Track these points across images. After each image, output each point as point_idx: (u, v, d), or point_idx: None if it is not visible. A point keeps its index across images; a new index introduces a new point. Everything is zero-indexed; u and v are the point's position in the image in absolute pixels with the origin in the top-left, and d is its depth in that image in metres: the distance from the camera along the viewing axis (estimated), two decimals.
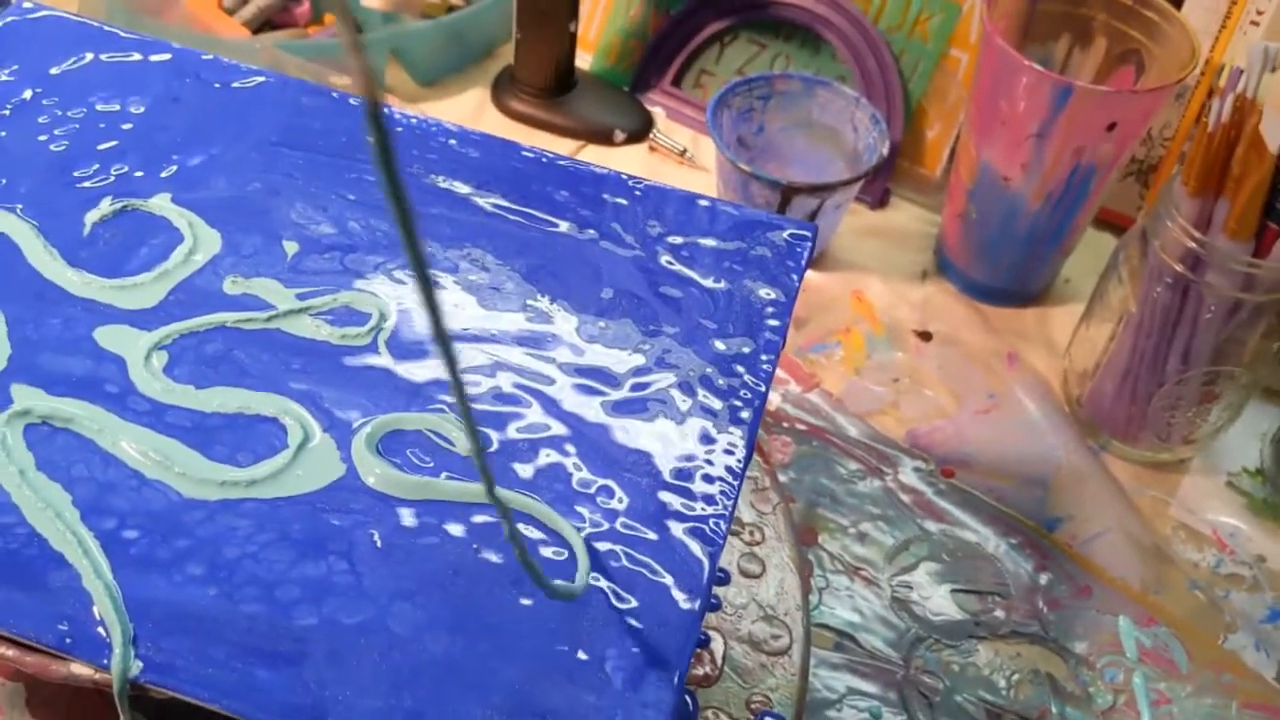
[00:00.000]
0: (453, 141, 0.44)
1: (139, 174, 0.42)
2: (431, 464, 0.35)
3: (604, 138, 0.74)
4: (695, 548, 0.34)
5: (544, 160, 0.44)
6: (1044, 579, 0.55)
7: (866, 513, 0.57)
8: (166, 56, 0.46)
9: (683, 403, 0.37)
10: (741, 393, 0.38)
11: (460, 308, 0.39)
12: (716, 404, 0.37)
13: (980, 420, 0.62)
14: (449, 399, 0.37)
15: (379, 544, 0.33)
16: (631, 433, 0.36)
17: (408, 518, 0.34)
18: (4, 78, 0.44)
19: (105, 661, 0.30)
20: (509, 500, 0.34)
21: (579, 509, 0.34)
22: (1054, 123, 0.58)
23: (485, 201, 0.43)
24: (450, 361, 0.22)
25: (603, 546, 0.34)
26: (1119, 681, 0.52)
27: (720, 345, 0.39)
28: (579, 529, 0.34)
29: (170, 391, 0.36)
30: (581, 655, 0.31)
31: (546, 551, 0.33)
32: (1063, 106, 0.57)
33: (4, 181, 0.41)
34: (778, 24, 0.74)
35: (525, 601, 0.32)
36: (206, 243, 0.40)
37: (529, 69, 0.74)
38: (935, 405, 0.62)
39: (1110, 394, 0.59)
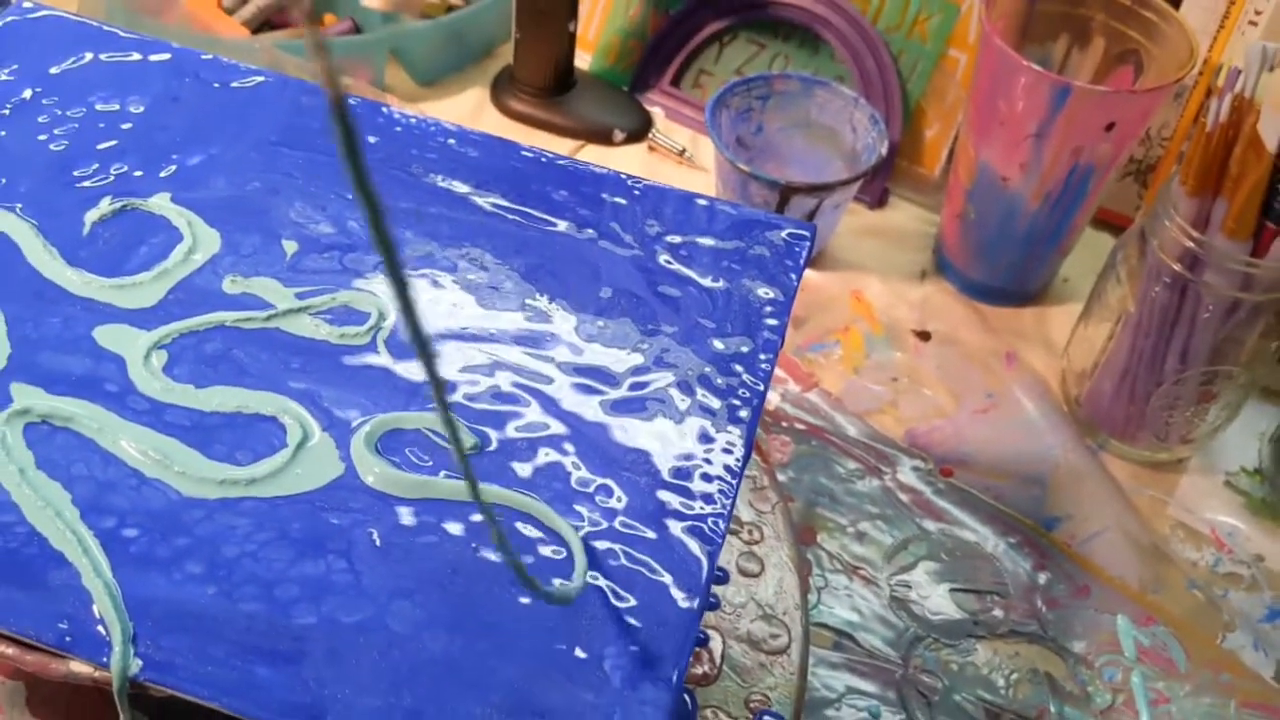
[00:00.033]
0: (452, 141, 0.45)
1: (138, 173, 0.42)
2: (430, 463, 0.35)
3: (603, 137, 0.74)
4: (694, 546, 0.34)
5: (543, 160, 0.44)
6: (1042, 578, 0.55)
7: (865, 512, 0.57)
8: (166, 56, 0.46)
9: (681, 402, 0.37)
10: (740, 392, 0.38)
11: (459, 307, 0.39)
12: (715, 403, 0.38)
13: (979, 420, 0.62)
14: (448, 398, 0.37)
15: (378, 543, 0.33)
16: (630, 432, 0.37)
17: (406, 516, 0.34)
18: (4, 77, 0.44)
19: (105, 660, 0.30)
20: (506, 500, 0.34)
21: (578, 508, 0.34)
22: (1052, 123, 0.58)
23: (484, 201, 0.43)
24: (428, 361, 0.22)
25: (601, 545, 0.34)
26: (1117, 680, 0.52)
27: (719, 344, 0.39)
28: (578, 528, 0.34)
29: (169, 390, 0.36)
30: (580, 654, 0.31)
31: (545, 551, 0.34)
32: (1061, 106, 0.57)
33: (4, 181, 0.41)
34: (776, 24, 0.74)
35: (524, 600, 0.32)
36: (206, 242, 0.40)
37: (528, 69, 0.74)
38: (934, 405, 0.62)
39: (1109, 393, 0.59)
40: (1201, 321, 0.54)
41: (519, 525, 0.34)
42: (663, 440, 0.36)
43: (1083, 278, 0.68)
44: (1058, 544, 0.57)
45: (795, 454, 0.59)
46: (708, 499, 0.35)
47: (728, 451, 0.36)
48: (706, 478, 0.36)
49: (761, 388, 0.38)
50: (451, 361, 0.38)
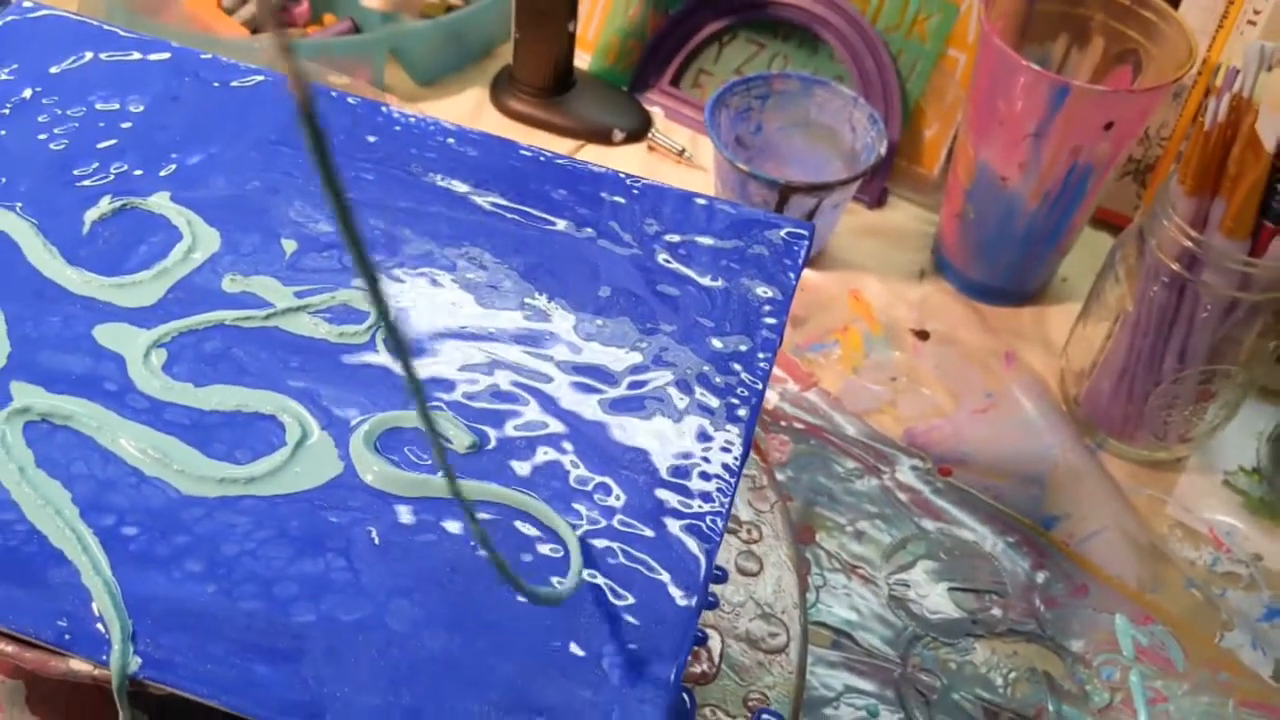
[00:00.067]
0: (451, 140, 0.45)
1: (138, 172, 0.42)
2: (429, 461, 0.35)
3: (603, 137, 0.74)
4: (692, 545, 0.34)
5: (542, 159, 0.44)
6: (1041, 577, 0.55)
7: (864, 511, 0.57)
8: (166, 56, 0.46)
9: (680, 400, 0.37)
10: (739, 390, 0.38)
11: (458, 305, 0.39)
12: (714, 402, 0.38)
13: (977, 419, 0.62)
14: (447, 397, 0.37)
15: (377, 541, 0.33)
16: (629, 430, 0.37)
17: (405, 515, 0.34)
18: (4, 76, 0.44)
19: (104, 657, 0.30)
20: (504, 498, 0.35)
21: (576, 506, 0.35)
22: (1051, 122, 0.58)
23: (483, 200, 0.43)
24: (404, 357, 0.23)
25: (600, 543, 0.34)
26: (1116, 679, 0.52)
27: (717, 343, 0.39)
28: (576, 526, 0.34)
29: (169, 389, 0.36)
30: (578, 652, 0.32)
31: (544, 549, 0.34)
32: (1060, 106, 0.57)
33: (4, 180, 0.41)
34: (776, 24, 0.74)
35: (522, 599, 0.32)
36: (205, 241, 0.40)
37: (528, 69, 0.74)
38: (933, 404, 0.62)
39: (1107, 393, 0.59)
40: (1200, 321, 0.54)
41: (517, 524, 0.34)
42: (661, 439, 0.36)
43: (1081, 277, 0.68)
44: (1056, 543, 0.57)
45: (794, 453, 0.59)
46: (706, 497, 0.35)
47: (726, 450, 0.36)
48: (705, 476, 0.36)
49: (760, 386, 0.38)
50: (450, 360, 0.38)
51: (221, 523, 0.33)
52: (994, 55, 0.59)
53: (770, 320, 0.40)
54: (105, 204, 0.41)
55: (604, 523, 0.34)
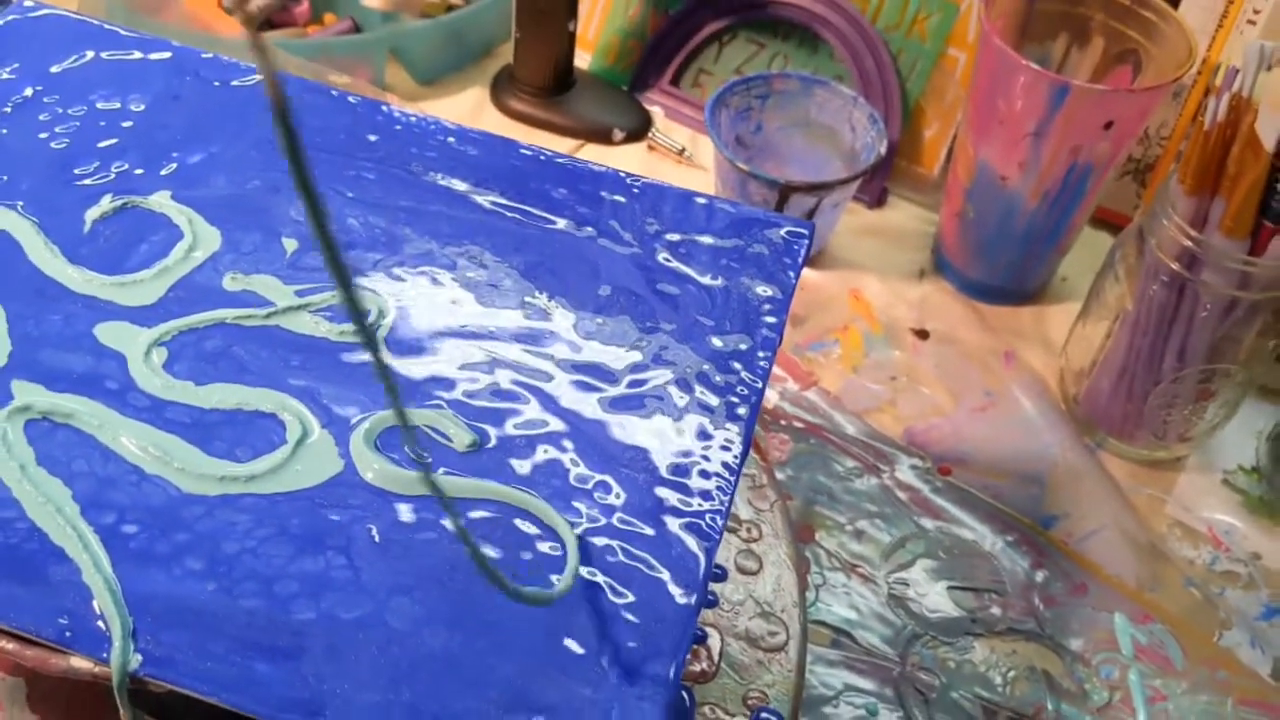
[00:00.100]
0: (451, 139, 0.45)
1: (139, 171, 0.42)
2: (429, 460, 0.35)
3: (603, 137, 0.75)
4: (692, 543, 0.34)
5: (542, 158, 0.44)
6: (1040, 576, 0.55)
7: (864, 510, 0.57)
8: (166, 55, 0.46)
9: (680, 399, 0.38)
10: (738, 389, 0.38)
11: (458, 304, 0.39)
12: (713, 400, 0.38)
13: (977, 418, 0.62)
14: (447, 396, 0.37)
15: (377, 539, 0.33)
16: (629, 429, 0.37)
17: (405, 513, 0.34)
18: (5, 76, 0.45)
19: (105, 655, 0.30)
20: (504, 496, 0.35)
21: (576, 504, 0.35)
22: (1051, 122, 0.58)
23: (484, 199, 0.43)
24: (373, 349, 0.23)
25: (599, 542, 0.34)
26: (1114, 678, 0.52)
27: (717, 342, 0.39)
28: (576, 524, 0.34)
29: (170, 387, 0.36)
30: (578, 650, 0.32)
31: (543, 547, 0.34)
32: (1060, 105, 0.57)
33: (5, 179, 0.41)
34: (776, 23, 0.74)
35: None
36: (206, 240, 0.40)
37: (528, 68, 0.74)
38: (932, 403, 0.62)
39: (1106, 392, 0.59)
40: (1199, 320, 0.54)
41: (518, 522, 0.34)
42: (661, 437, 0.36)
43: (1081, 276, 0.68)
44: (1055, 542, 0.57)
45: (794, 452, 0.59)
46: (706, 496, 0.35)
47: (726, 449, 0.36)
48: (704, 474, 0.36)
49: (760, 385, 0.38)
50: (451, 359, 0.38)
51: (222, 521, 0.33)
52: (994, 55, 0.59)
53: (770, 319, 0.40)
54: (106, 203, 0.41)
55: (604, 521, 0.34)
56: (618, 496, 0.35)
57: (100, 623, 0.31)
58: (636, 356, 0.39)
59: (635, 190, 0.44)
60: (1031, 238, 0.64)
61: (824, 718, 0.49)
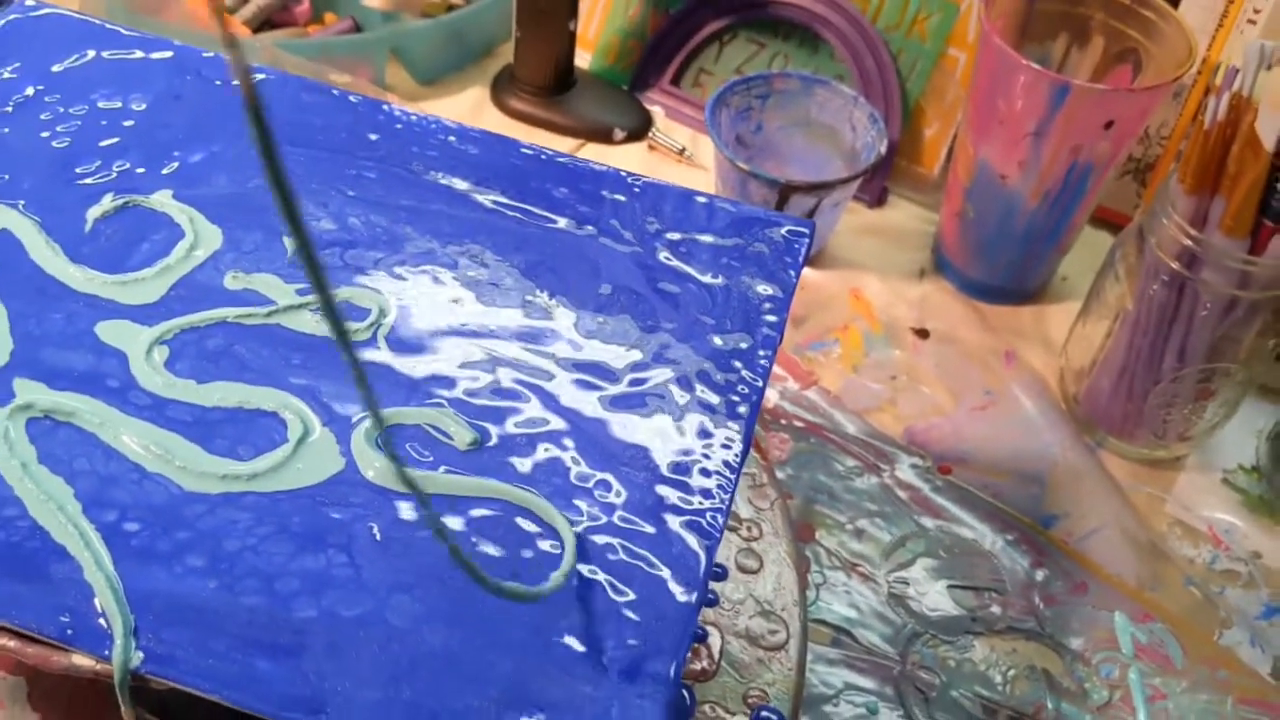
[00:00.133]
0: (452, 138, 0.45)
1: (140, 170, 0.42)
2: (430, 458, 0.35)
3: (603, 136, 0.75)
4: (692, 541, 0.34)
5: (543, 157, 0.44)
6: (1040, 575, 0.55)
7: (864, 509, 0.57)
8: (168, 54, 0.46)
9: (680, 398, 0.38)
10: (739, 388, 0.38)
11: (459, 303, 0.40)
12: (714, 399, 0.38)
13: (977, 417, 0.62)
14: (448, 394, 0.37)
15: (378, 537, 0.33)
16: (629, 427, 0.37)
17: (406, 511, 0.34)
18: (7, 75, 0.45)
19: (106, 653, 0.31)
20: (504, 494, 0.35)
21: (577, 503, 0.35)
22: (1051, 121, 0.58)
23: (484, 198, 0.43)
24: (343, 337, 0.23)
25: (600, 540, 0.34)
26: (1114, 677, 0.52)
27: (718, 341, 0.39)
28: (576, 523, 0.34)
29: (171, 386, 0.36)
30: (578, 647, 0.32)
31: (544, 545, 0.34)
32: (1060, 105, 0.57)
33: (7, 178, 0.41)
34: (776, 23, 0.74)
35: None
36: (207, 238, 0.40)
37: (528, 68, 0.74)
38: (932, 403, 0.62)
39: (1107, 391, 0.59)
40: (1199, 319, 0.54)
41: (518, 520, 0.34)
42: (662, 436, 0.37)
43: (1081, 276, 0.68)
44: (1055, 541, 0.57)
45: (794, 451, 0.59)
46: (706, 494, 0.35)
47: (726, 447, 0.37)
48: (705, 473, 0.36)
49: (760, 384, 0.38)
50: (451, 357, 0.38)
51: (223, 519, 0.33)
52: (994, 54, 0.59)
53: (771, 318, 0.40)
54: (108, 202, 0.41)
55: (604, 519, 0.34)
56: (618, 495, 0.35)
57: (102, 620, 0.31)
58: (637, 355, 0.39)
59: (636, 189, 0.44)
60: (1032, 237, 0.64)
61: (824, 716, 0.49)
